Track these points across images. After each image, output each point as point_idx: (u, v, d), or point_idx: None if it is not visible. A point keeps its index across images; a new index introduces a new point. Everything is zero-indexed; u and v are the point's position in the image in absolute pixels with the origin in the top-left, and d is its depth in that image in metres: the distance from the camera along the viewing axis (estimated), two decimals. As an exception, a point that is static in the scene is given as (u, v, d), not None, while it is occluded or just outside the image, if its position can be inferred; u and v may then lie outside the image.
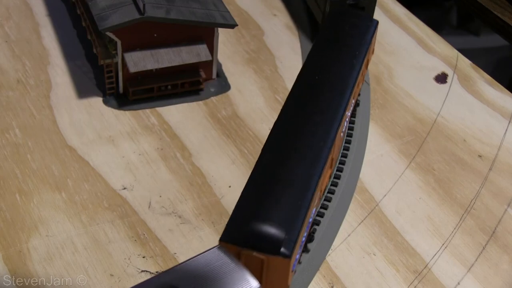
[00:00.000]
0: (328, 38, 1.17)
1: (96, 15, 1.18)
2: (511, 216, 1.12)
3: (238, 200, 0.89)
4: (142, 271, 0.98)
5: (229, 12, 1.27)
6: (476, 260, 1.05)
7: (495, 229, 1.10)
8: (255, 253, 0.83)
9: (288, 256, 0.83)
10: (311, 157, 0.94)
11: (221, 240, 0.85)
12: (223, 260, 0.81)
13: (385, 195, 1.14)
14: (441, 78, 1.40)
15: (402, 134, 1.26)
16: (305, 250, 1.01)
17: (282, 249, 0.83)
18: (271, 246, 0.83)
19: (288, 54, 1.43)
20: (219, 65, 1.36)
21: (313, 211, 0.94)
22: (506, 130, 1.29)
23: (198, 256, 0.82)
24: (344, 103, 1.04)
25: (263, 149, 0.96)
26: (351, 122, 1.23)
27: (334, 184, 1.12)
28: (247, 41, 1.45)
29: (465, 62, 1.46)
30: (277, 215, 0.86)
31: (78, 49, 1.37)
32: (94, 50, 1.27)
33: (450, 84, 1.39)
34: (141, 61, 1.22)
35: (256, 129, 1.23)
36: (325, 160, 0.95)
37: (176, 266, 0.81)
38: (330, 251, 1.03)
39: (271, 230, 0.84)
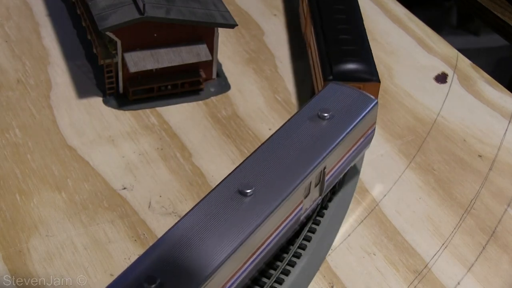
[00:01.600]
0: None
1: (96, 15, 1.18)
2: (511, 216, 1.12)
3: (326, 53, 1.22)
4: (142, 271, 0.98)
5: (229, 12, 1.27)
6: (476, 260, 1.05)
7: (495, 229, 1.10)
8: (354, 84, 1.12)
9: (379, 81, 1.17)
10: (356, 23, 1.31)
11: (325, 80, 1.16)
12: (341, 89, 1.07)
13: (385, 195, 1.14)
14: (441, 78, 1.40)
15: (402, 134, 1.26)
16: None
17: (374, 77, 1.17)
18: (365, 76, 1.17)
19: (288, 54, 1.43)
20: (219, 65, 1.36)
21: None
22: (506, 130, 1.29)
23: (319, 94, 1.06)
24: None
25: (321, 27, 1.29)
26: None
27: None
28: (247, 41, 1.45)
29: (465, 62, 1.46)
30: (358, 55, 1.21)
31: (78, 49, 1.37)
32: (94, 50, 1.27)
33: (450, 84, 1.39)
34: (141, 61, 1.22)
35: (256, 129, 1.23)
36: (362, 23, 1.32)
37: (305, 104, 1.04)
38: (330, 251, 1.03)
39: (360, 66, 1.18)
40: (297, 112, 1.03)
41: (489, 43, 2.15)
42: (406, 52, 1.47)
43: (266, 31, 1.48)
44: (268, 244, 0.89)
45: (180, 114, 1.25)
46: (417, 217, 1.10)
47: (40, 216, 1.04)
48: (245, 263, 0.86)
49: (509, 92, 1.39)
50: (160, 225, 1.04)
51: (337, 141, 0.98)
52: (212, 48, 1.27)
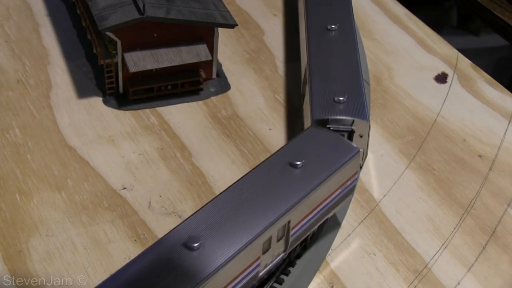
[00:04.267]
0: None
1: (96, 15, 1.18)
2: (511, 216, 1.12)
3: None
4: (142, 271, 0.98)
5: (229, 12, 1.27)
6: (476, 260, 1.05)
7: (495, 229, 1.10)
8: None
9: None
10: None
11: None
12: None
13: (385, 195, 1.14)
14: (441, 78, 1.40)
15: (402, 134, 1.26)
16: None
17: None
18: None
19: (288, 54, 1.42)
20: (219, 65, 1.36)
21: None
22: (506, 130, 1.29)
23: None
24: None
25: None
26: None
27: (334, 184, 1.12)
28: (247, 41, 1.45)
29: (465, 62, 1.46)
30: None
31: (78, 49, 1.37)
32: (94, 50, 1.27)
33: (450, 84, 1.39)
34: (141, 61, 1.22)
35: (256, 129, 1.23)
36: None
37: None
38: (330, 251, 1.03)
39: None
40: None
41: (489, 43, 2.15)
42: (406, 52, 1.47)
43: (266, 31, 1.48)
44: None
45: (180, 114, 1.25)
46: (417, 217, 1.10)
47: (40, 216, 1.04)
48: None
49: (509, 92, 1.39)
50: (160, 225, 1.04)
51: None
52: (212, 48, 1.27)
